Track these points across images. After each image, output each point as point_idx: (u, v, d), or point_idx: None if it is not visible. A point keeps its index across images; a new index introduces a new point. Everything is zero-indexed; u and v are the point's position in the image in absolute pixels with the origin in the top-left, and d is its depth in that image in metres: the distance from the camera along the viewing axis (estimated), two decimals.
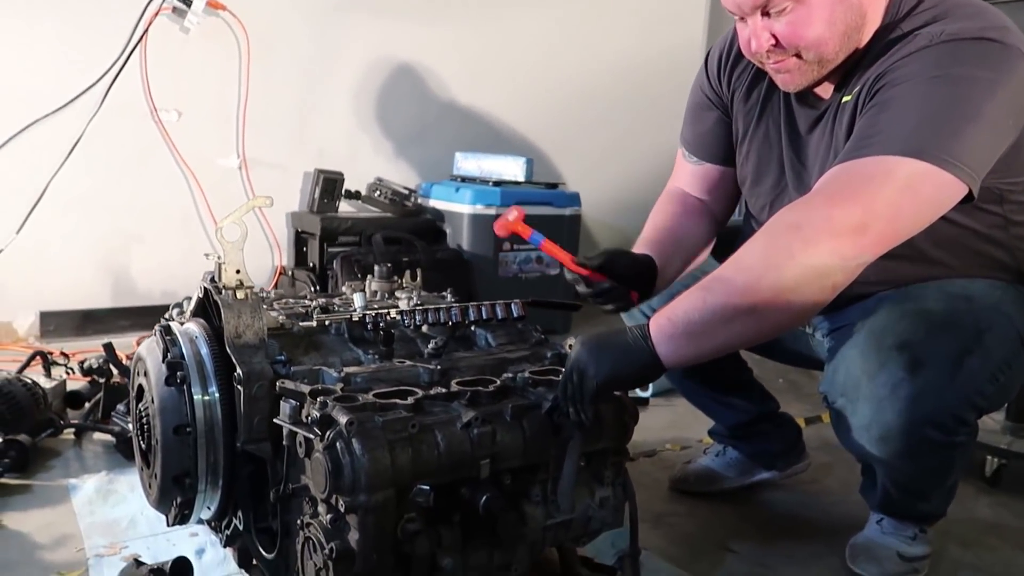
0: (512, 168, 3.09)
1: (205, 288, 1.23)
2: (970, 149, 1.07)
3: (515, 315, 1.36)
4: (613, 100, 3.71)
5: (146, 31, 2.68)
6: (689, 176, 1.58)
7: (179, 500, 1.13)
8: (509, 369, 1.23)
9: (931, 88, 1.09)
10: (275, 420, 1.03)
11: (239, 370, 1.08)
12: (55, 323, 2.72)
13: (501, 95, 3.47)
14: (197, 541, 1.36)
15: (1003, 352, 1.22)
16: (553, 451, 1.11)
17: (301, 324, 1.26)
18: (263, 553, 1.11)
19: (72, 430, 1.82)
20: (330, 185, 2.92)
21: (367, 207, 3.09)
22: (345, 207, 3.07)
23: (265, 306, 1.34)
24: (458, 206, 2.97)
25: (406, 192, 3.08)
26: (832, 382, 1.27)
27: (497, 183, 3.02)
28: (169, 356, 1.13)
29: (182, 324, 1.24)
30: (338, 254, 2.73)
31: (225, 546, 1.22)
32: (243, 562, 1.22)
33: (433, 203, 3.10)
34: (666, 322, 1.08)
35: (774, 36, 1.18)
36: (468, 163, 3.19)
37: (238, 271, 1.17)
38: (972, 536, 1.61)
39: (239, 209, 1.16)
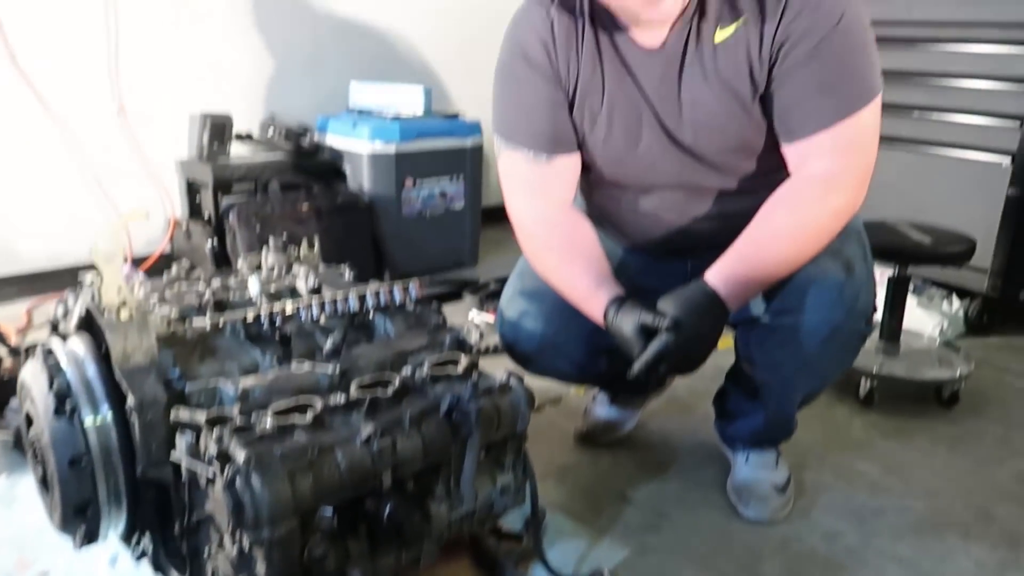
0: (410, 99, 3.00)
1: (87, 309, 1.19)
2: None
3: (413, 298, 1.40)
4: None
5: None
6: (552, 179, 1.36)
7: (83, 528, 1.14)
8: (409, 361, 1.26)
9: None
10: (172, 458, 1.03)
11: (130, 399, 1.07)
12: None
13: (396, 13, 3.32)
14: (111, 547, 1.37)
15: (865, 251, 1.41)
16: (453, 450, 1.16)
17: (194, 326, 1.25)
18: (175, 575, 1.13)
19: None
20: (218, 130, 2.77)
21: (261, 149, 2.97)
22: (238, 150, 2.93)
23: (155, 300, 1.30)
24: (356, 143, 2.89)
25: (301, 130, 2.97)
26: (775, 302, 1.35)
27: (395, 118, 2.94)
28: (56, 385, 1.11)
29: (66, 338, 1.20)
30: (233, 205, 2.64)
31: (138, 559, 1.23)
32: (158, 566, 1.24)
33: (330, 140, 3.00)
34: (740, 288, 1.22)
35: None
36: (364, 94, 3.08)
37: (120, 287, 1.13)
38: (837, 458, 1.76)
39: (113, 225, 1.11)
